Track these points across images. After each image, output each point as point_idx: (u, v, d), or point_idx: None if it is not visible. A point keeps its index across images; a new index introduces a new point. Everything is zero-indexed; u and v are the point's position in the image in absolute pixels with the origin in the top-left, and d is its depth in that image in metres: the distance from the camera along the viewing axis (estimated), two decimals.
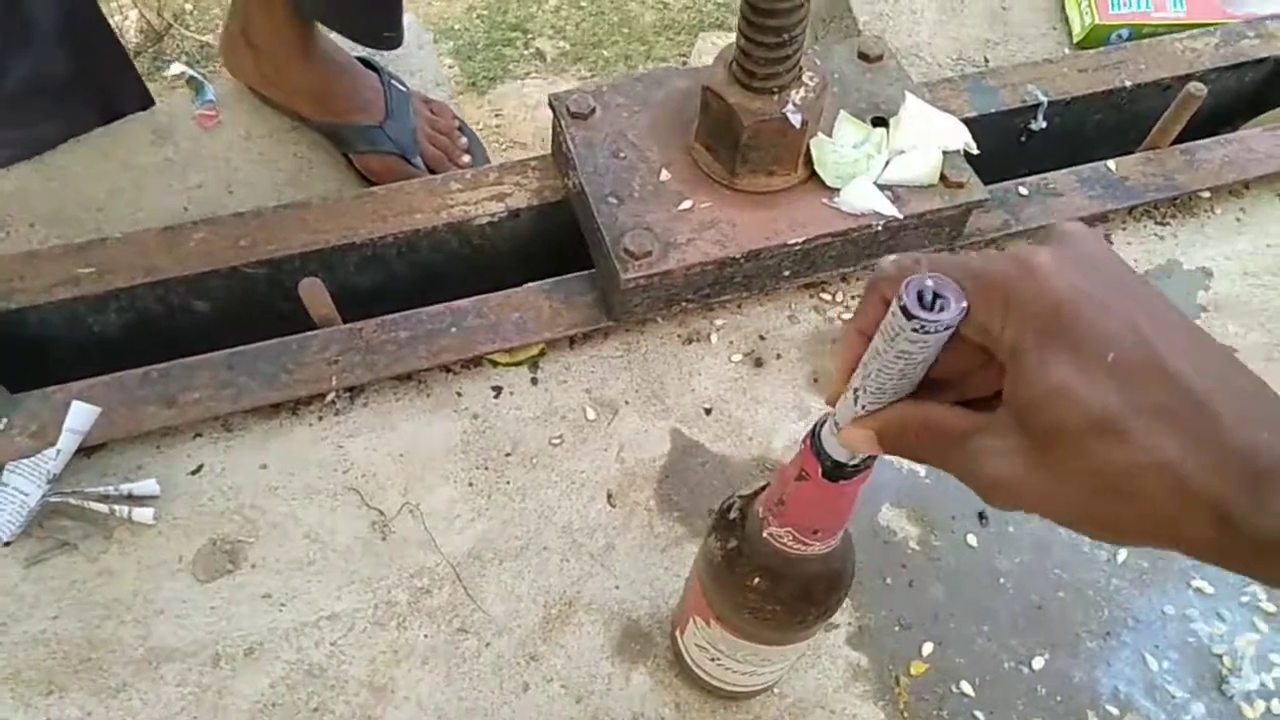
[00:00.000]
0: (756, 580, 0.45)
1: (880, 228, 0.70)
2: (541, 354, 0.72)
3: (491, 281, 0.80)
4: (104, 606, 0.60)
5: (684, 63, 2.07)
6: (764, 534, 0.43)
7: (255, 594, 0.61)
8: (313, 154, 0.85)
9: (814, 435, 0.37)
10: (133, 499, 0.63)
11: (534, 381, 0.71)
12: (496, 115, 1.98)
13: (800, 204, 0.70)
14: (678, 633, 0.57)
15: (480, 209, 0.76)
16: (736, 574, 0.46)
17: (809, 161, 0.71)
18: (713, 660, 0.53)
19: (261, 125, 0.86)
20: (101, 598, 0.60)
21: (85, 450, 0.64)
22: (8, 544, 0.61)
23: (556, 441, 0.68)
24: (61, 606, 0.59)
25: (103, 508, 0.62)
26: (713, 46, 1.71)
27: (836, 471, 0.37)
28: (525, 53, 1.93)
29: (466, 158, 0.86)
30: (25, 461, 0.61)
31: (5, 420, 0.63)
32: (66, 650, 0.58)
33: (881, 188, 0.71)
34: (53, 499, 0.61)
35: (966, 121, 0.76)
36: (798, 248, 0.69)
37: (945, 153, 0.72)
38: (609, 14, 1.99)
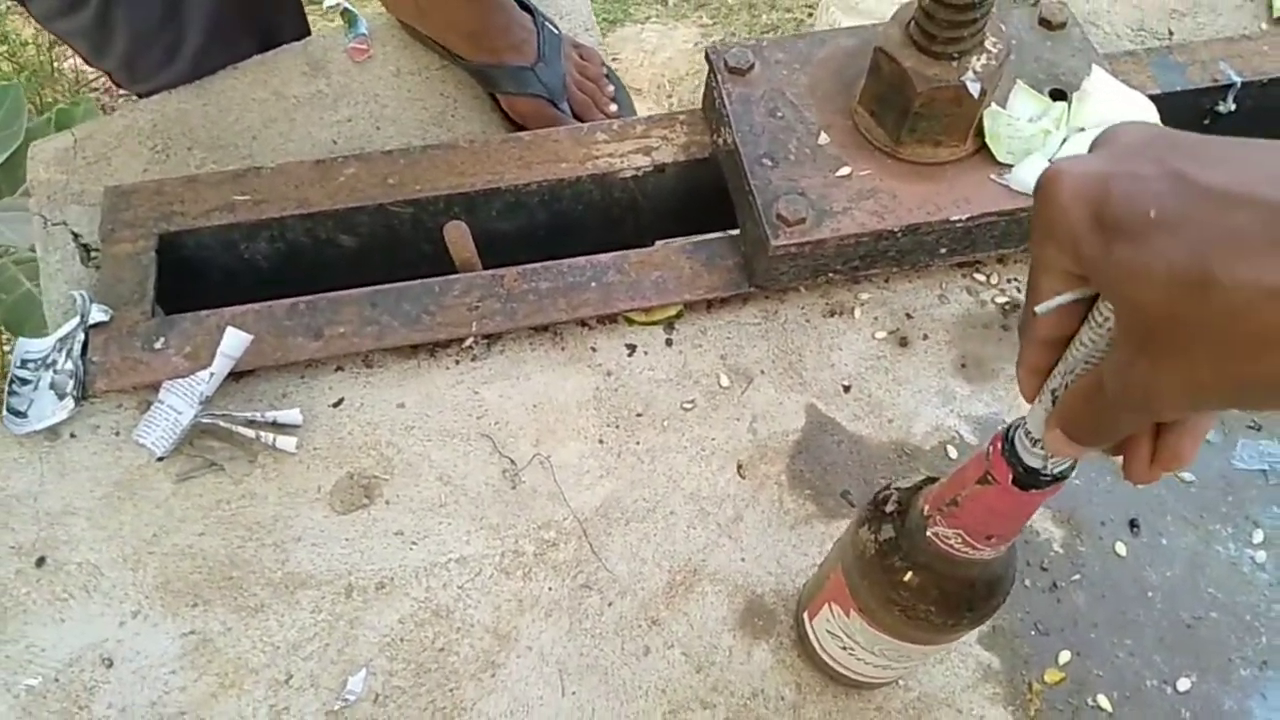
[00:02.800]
0: (912, 578, 0.43)
1: None
2: (679, 315, 0.70)
3: (629, 235, 0.78)
4: (246, 528, 0.62)
5: (809, 15, 2.00)
6: (928, 532, 0.41)
7: (388, 530, 0.62)
8: (459, 94, 0.85)
9: (1006, 440, 0.35)
10: (277, 426, 0.64)
11: (669, 343, 0.70)
12: (614, 59, 1.96)
13: (967, 178, 0.66)
14: (806, 616, 0.55)
15: (625, 161, 0.74)
16: (890, 569, 0.44)
17: (979, 133, 0.67)
18: (845, 650, 0.51)
19: (411, 62, 0.85)
20: (244, 519, 0.62)
21: (234, 375, 0.65)
22: (161, 459, 0.63)
23: (688, 406, 0.67)
24: (207, 524, 0.62)
25: (249, 432, 0.64)
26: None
27: (1029, 479, 0.34)
28: None
29: (613, 106, 0.84)
30: (181, 381, 0.64)
31: (162, 340, 0.65)
32: (211, 566, 0.60)
33: None
34: (203, 420, 0.63)
35: (1147, 98, 0.70)
36: (960, 225, 0.65)
37: None
38: None
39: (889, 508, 0.45)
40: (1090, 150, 0.30)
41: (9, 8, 1.85)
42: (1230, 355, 0.25)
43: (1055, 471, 0.34)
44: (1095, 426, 0.31)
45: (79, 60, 1.84)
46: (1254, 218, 0.25)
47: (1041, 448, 0.34)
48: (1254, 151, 0.27)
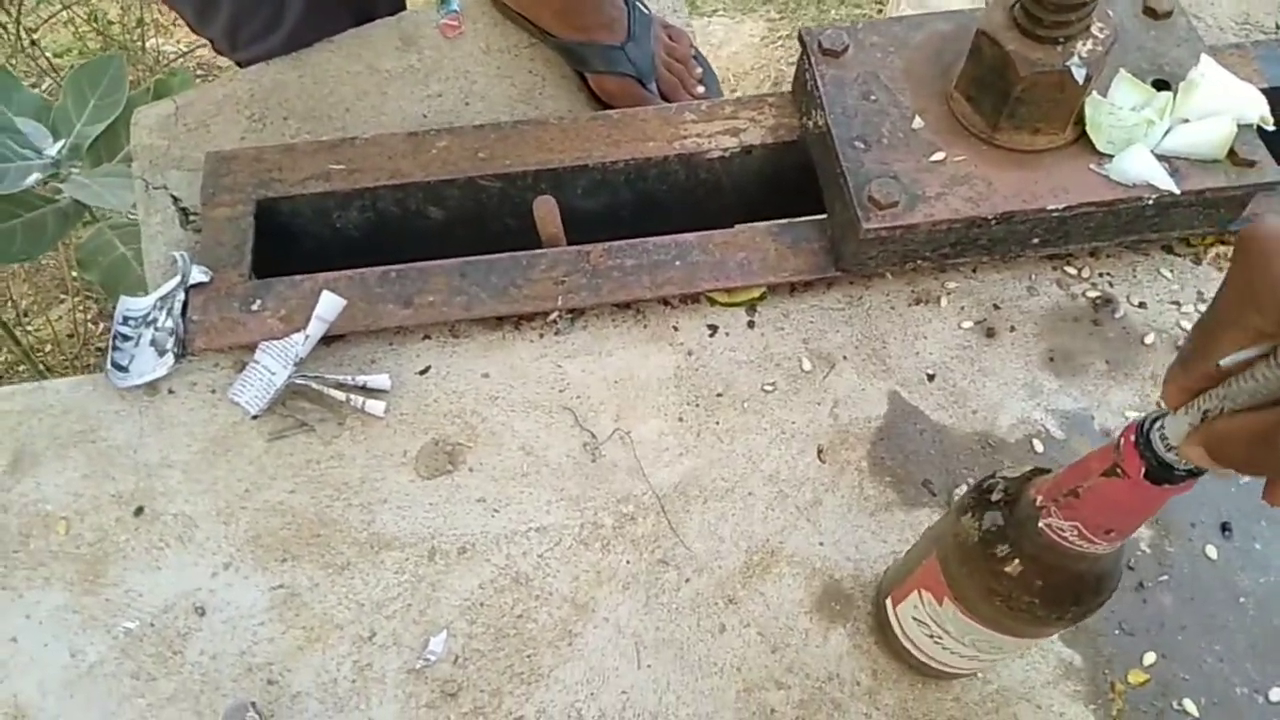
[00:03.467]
0: (1019, 568, 0.42)
1: (1151, 202, 0.64)
2: (761, 297, 0.70)
3: (713, 218, 0.78)
4: (334, 488, 0.63)
5: (879, 11, 1.97)
6: (1041, 523, 0.40)
7: (471, 497, 0.63)
8: (547, 72, 0.85)
9: (1141, 433, 0.34)
10: (366, 390, 0.66)
11: (751, 324, 0.70)
12: None
13: (1065, 167, 0.65)
14: (889, 602, 0.55)
15: (713, 142, 0.74)
16: (994, 558, 0.43)
17: (1080, 121, 0.65)
18: (932, 639, 0.51)
19: (500, 40, 0.86)
20: (333, 479, 0.63)
21: (325, 339, 0.67)
22: (255, 417, 0.65)
23: (769, 388, 0.67)
24: (297, 482, 0.63)
25: (339, 395, 0.65)
26: None
27: (1163, 473, 0.34)
28: None
29: (701, 88, 0.84)
30: (276, 343, 0.65)
31: (259, 301, 0.67)
32: (300, 523, 0.62)
33: (1159, 158, 0.64)
34: (297, 381, 0.65)
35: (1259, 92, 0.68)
36: (1056, 215, 0.64)
37: (1239, 125, 0.64)
38: None
39: (995, 496, 0.44)
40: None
41: None
42: None
43: (1191, 467, 0.33)
44: (1248, 462, 0.31)
45: (160, 39, 1.90)
46: None
47: (1177, 453, 0.33)
48: None
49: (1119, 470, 0.35)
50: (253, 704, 0.55)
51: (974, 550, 0.44)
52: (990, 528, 0.43)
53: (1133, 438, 0.34)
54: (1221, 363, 0.31)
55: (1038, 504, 0.40)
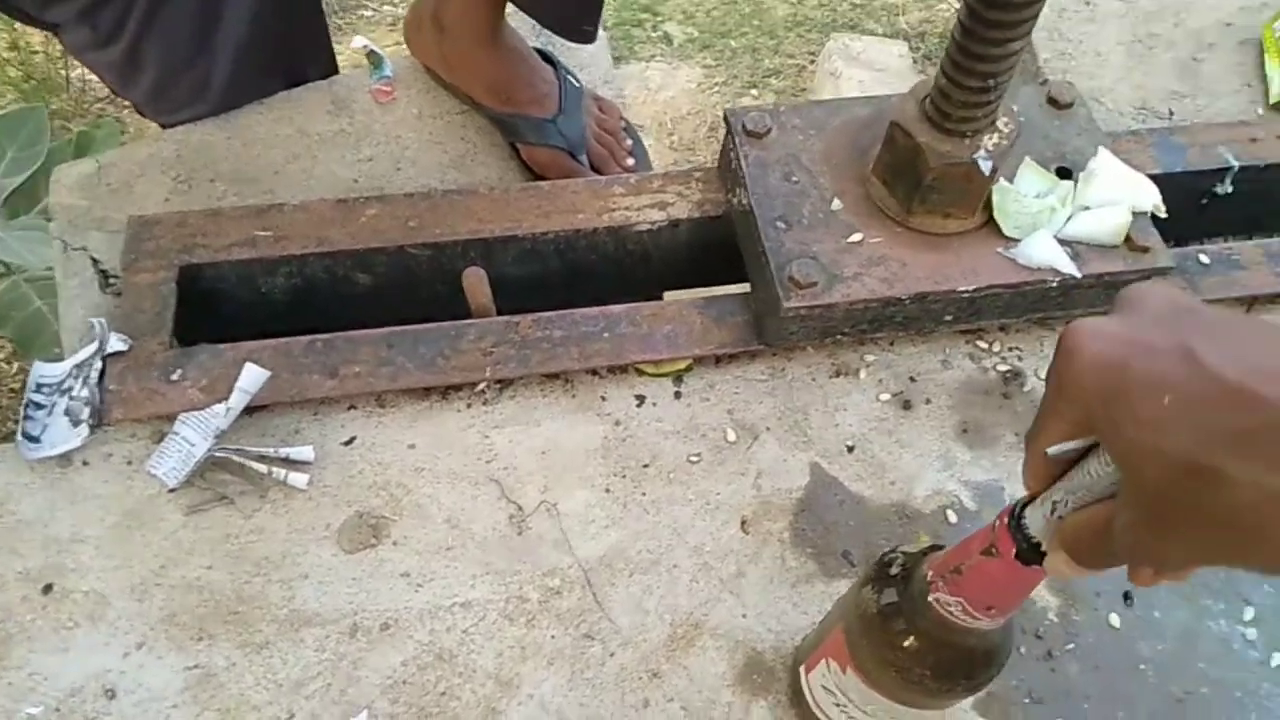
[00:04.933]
0: (911, 642, 0.44)
1: (1055, 284, 0.68)
2: (688, 369, 0.72)
3: (641, 286, 0.80)
4: (253, 563, 0.62)
5: (811, 62, 2.04)
6: (930, 598, 0.42)
7: (395, 571, 0.62)
8: (479, 139, 0.87)
9: (1013, 515, 0.36)
10: (289, 462, 0.65)
11: (677, 395, 0.71)
12: (618, 96, 1.98)
13: (974, 250, 0.68)
14: (803, 670, 0.56)
15: (641, 215, 0.76)
16: (890, 631, 0.45)
17: (988, 207, 0.69)
18: (838, 706, 0.52)
19: (433, 106, 0.87)
20: (252, 554, 0.62)
21: (248, 409, 0.66)
22: (173, 490, 0.64)
23: (695, 459, 0.68)
24: (215, 558, 0.62)
25: (261, 467, 0.64)
26: (843, 48, 1.67)
27: (1033, 555, 0.36)
28: (653, 35, 1.93)
29: (630, 160, 0.86)
30: (196, 414, 0.64)
31: (180, 371, 0.66)
32: (217, 600, 0.61)
33: (1062, 243, 0.68)
34: (217, 453, 0.64)
35: (1149, 179, 0.72)
36: (967, 295, 0.67)
37: (1135, 213, 0.69)
38: (741, 4, 1.97)
39: (894, 570, 0.46)
40: (1115, 310, 0.32)
41: None
42: (1234, 540, 0.28)
43: None
44: (1101, 559, 0.33)
45: (86, 72, 1.86)
46: (1262, 421, 0.26)
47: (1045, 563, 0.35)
48: (1271, 340, 0.28)
49: (994, 550, 0.37)
50: None
51: (872, 621, 0.45)
52: (887, 601, 0.45)
53: (1006, 520, 0.36)
54: (1048, 451, 0.33)
55: (929, 579, 0.42)
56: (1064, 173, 0.71)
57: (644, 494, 0.67)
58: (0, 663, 0.58)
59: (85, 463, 0.65)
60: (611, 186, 0.77)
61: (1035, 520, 0.35)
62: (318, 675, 0.59)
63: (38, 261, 0.91)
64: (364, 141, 0.85)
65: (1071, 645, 0.63)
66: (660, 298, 0.83)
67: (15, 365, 1.60)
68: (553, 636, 0.61)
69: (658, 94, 2.04)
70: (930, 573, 0.42)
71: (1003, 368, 0.73)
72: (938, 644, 0.44)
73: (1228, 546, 0.28)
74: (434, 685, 0.59)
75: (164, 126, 0.86)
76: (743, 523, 0.66)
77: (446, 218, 0.74)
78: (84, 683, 0.58)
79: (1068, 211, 0.69)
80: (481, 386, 0.70)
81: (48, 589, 0.60)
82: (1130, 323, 0.31)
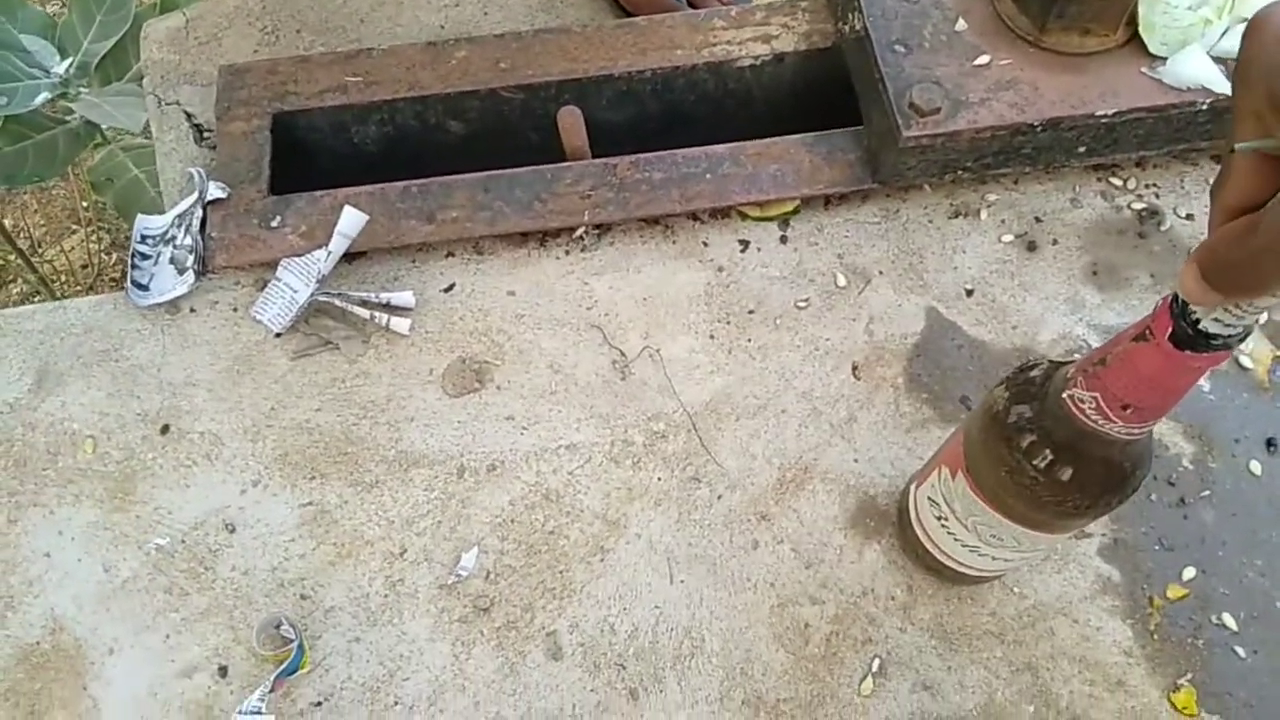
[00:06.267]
0: (1030, 438, 0.41)
1: (1205, 106, 0.62)
2: (795, 211, 0.68)
3: (743, 130, 0.75)
4: (360, 406, 0.62)
5: None
6: (1064, 394, 0.38)
7: (499, 414, 0.62)
8: None
9: (1178, 298, 0.32)
10: (390, 308, 0.64)
11: (783, 240, 0.68)
12: None
13: (1115, 70, 0.62)
14: (914, 485, 0.54)
15: (743, 50, 0.71)
16: (1012, 426, 0.42)
17: (1132, 22, 0.62)
18: (939, 520, 0.49)
19: None
20: (359, 398, 0.62)
21: (347, 256, 0.65)
22: (278, 335, 0.64)
23: (803, 304, 0.65)
24: (323, 400, 0.62)
25: (363, 312, 0.64)
26: None
27: (1190, 338, 0.32)
28: None
29: None
30: (297, 260, 0.64)
31: (279, 218, 0.66)
32: (327, 441, 0.61)
33: (1216, 60, 0.61)
34: (320, 299, 0.64)
35: None
36: (1104, 121, 0.62)
37: None
38: None
39: (1034, 373, 0.42)
40: None
41: None
42: None
43: (1218, 332, 0.31)
44: (1235, 271, 0.29)
45: None
46: None
47: (1214, 317, 0.31)
48: None
49: (1149, 332, 0.33)
50: (285, 618, 0.55)
51: (995, 418, 0.42)
52: (1017, 396, 0.42)
53: (1169, 299, 0.32)
54: (1235, 146, 0.29)
55: (1068, 376, 0.38)
56: None
57: (749, 340, 0.64)
58: (127, 497, 0.60)
59: (193, 309, 0.65)
60: (711, 20, 0.72)
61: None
62: (428, 513, 0.59)
63: (133, 125, 0.91)
64: None
65: (1207, 493, 0.59)
66: None
67: (115, 256, 1.65)
68: (659, 479, 0.60)
69: None
70: (1072, 370, 0.39)
71: (1138, 205, 0.68)
72: (1057, 445, 0.40)
73: None
74: (542, 524, 0.59)
75: None
76: (854, 368, 0.63)
77: (539, 58, 0.71)
78: (205, 517, 0.59)
79: (1224, 24, 0.62)
80: (580, 232, 0.67)
81: (165, 429, 0.62)
82: None
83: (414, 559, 0.58)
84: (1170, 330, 0.32)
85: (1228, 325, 0.31)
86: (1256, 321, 0.31)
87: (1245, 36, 0.28)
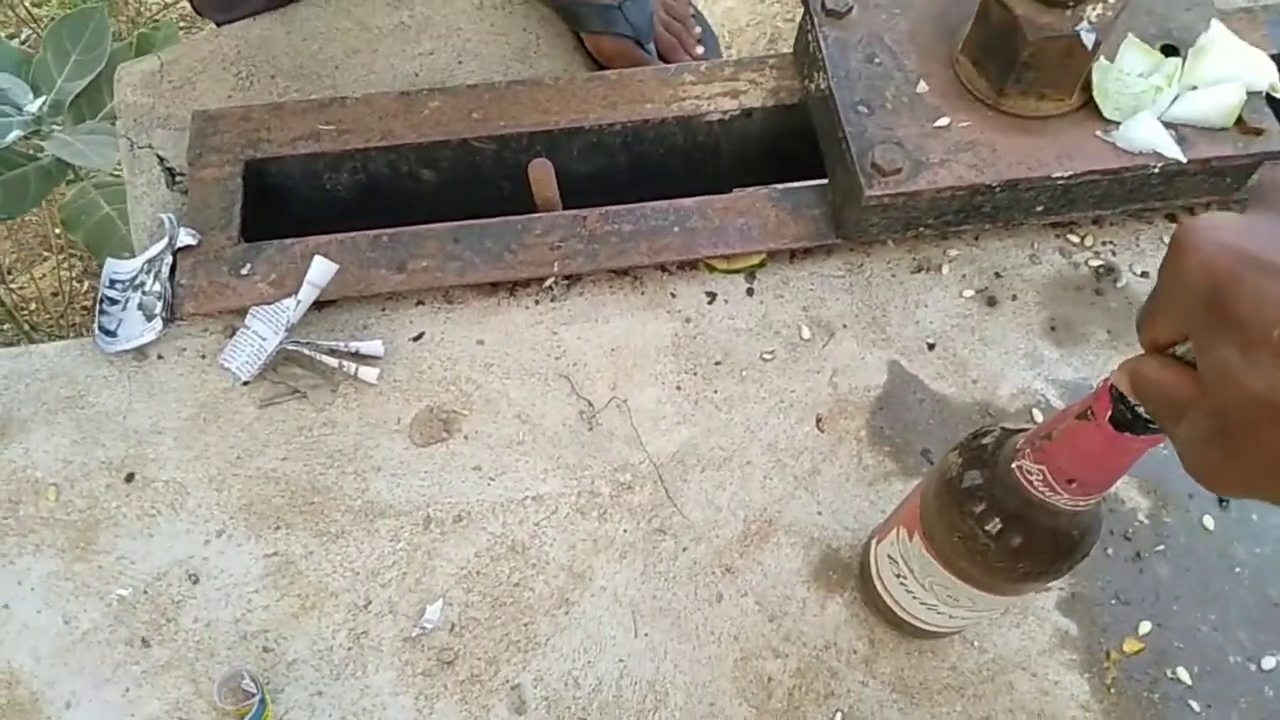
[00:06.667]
0: (981, 506, 0.42)
1: (1157, 170, 0.64)
2: (761, 264, 0.69)
3: (711, 182, 0.77)
4: (327, 455, 0.62)
5: None
6: (1013, 465, 0.40)
7: (467, 464, 0.62)
8: (542, 30, 0.83)
9: None
10: (359, 356, 0.65)
11: (750, 292, 0.69)
12: None
13: (1070, 134, 0.64)
14: (874, 541, 0.55)
15: (712, 104, 0.73)
16: (963, 493, 0.43)
17: (1086, 87, 0.64)
18: (898, 578, 0.50)
19: None
20: (326, 447, 0.63)
21: (316, 304, 0.66)
22: (246, 383, 0.64)
23: (768, 357, 0.66)
24: (290, 449, 0.62)
25: (331, 361, 0.64)
26: None
27: (1129, 421, 0.33)
28: None
29: (700, 49, 0.82)
30: (267, 308, 0.64)
31: (249, 266, 0.66)
32: (293, 491, 0.61)
33: (1166, 125, 0.63)
34: (288, 347, 0.64)
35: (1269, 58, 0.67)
36: (1061, 183, 0.63)
37: (1249, 93, 0.63)
38: None
39: (986, 440, 0.43)
40: (1249, 200, 0.29)
41: None
42: None
43: (1153, 423, 0.32)
44: (1155, 412, 0.31)
45: None
46: None
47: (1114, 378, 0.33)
48: None
49: (1090, 413, 0.34)
50: (248, 671, 0.55)
51: (949, 484, 0.43)
52: (970, 466, 0.43)
53: (1110, 382, 0.33)
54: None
55: (1017, 447, 0.39)
56: (1169, 50, 0.66)
57: (716, 391, 0.65)
58: (89, 547, 0.59)
59: (160, 356, 0.65)
60: (681, 75, 0.74)
61: None
62: (393, 564, 0.59)
63: (105, 164, 0.91)
64: (424, 34, 0.82)
65: (1162, 547, 0.60)
66: None
67: (86, 284, 1.63)
68: (625, 530, 0.61)
69: (715, 5, 1.96)
70: (1020, 441, 0.40)
71: (1095, 263, 0.69)
72: (1008, 515, 0.41)
73: None
74: (507, 576, 0.59)
75: (219, 24, 0.84)
76: (818, 420, 0.64)
77: (511, 109, 0.72)
78: (168, 567, 0.59)
79: (1174, 91, 0.64)
80: (549, 283, 0.68)
81: (130, 478, 0.61)
82: (1256, 226, 0.27)
83: (379, 611, 0.58)
84: (1109, 413, 0.33)
85: None
86: None
87: (1171, 248, 0.28)
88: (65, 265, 1.63)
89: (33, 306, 1.58)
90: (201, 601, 0.58)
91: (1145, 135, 0.63)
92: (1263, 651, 0.57)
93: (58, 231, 1.64)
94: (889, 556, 0.51)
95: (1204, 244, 0.27)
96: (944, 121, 0.64)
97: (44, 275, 1.64)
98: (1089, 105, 0.65)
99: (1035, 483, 0.38)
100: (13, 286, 1.58)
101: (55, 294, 1.61)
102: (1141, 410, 0.32)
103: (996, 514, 0.41)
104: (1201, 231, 0.27)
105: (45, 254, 1.66)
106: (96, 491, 0.61)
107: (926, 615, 0.51)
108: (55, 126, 0.96)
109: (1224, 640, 0.58)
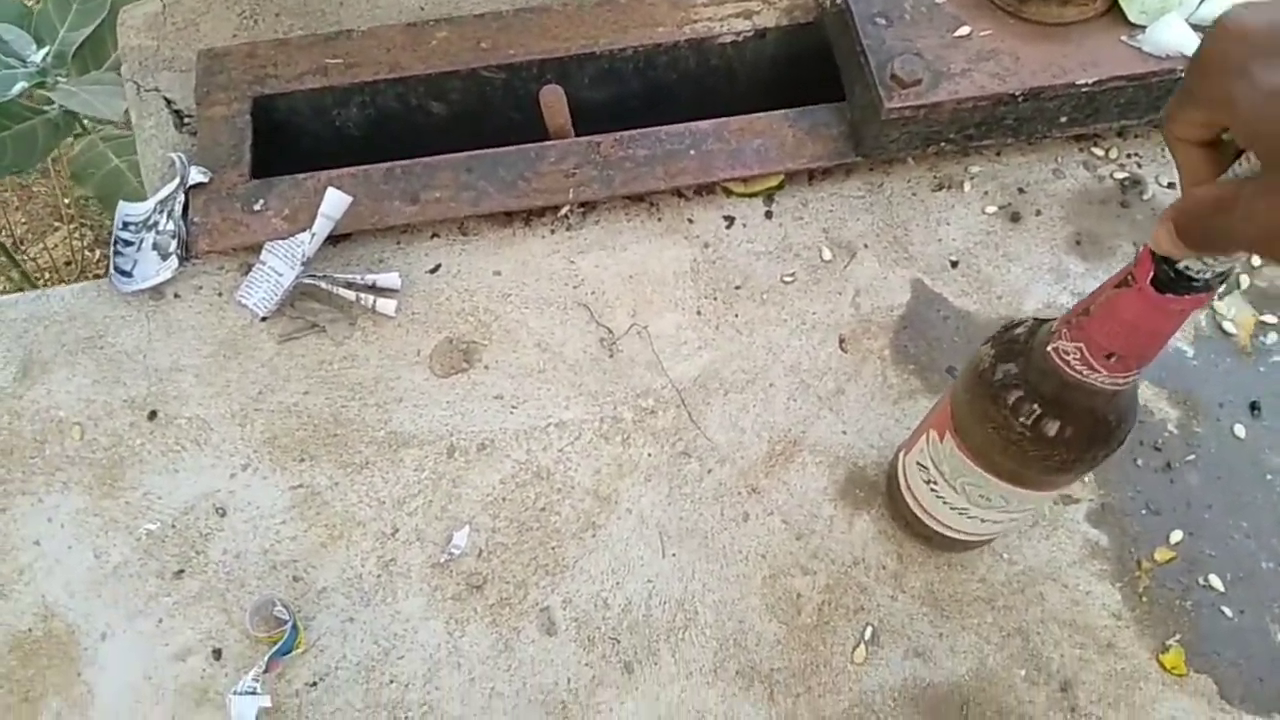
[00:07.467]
0: (1015, 394, 0.41)
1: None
2: (779, 186, 0.68)
3: (725, 107, 0.75)
4: (348, 388, 0.62)
5: None
6: (1049, 347, 0.39)
7: (488, 394, 0.62)
8: None
9: None
10: (376, 289, 0.64)
11: (768, 215, 0.68)
12: None
13: (1095, 40, 0.62)
14: (902, 452, 0.54)
15: (725, 26, 0.71)
16: (996, 381, 0.42)
17: None
18: (928, 484, 0.50)
19: None
20: (347, 380, 0.62)
21: (331, 239, 0.65)
22: (264, 319, 0.64)
23: (789, 279, 0.65)
24: (311, 383, 0.62)
25: (349, 294, 0.64)
26: None
27: (1172, 280, 0.32)
28: None
29: None
30: (281, 243, 0.64)
31: (262, 201, 0.65)
32: (316, 424, 0.61)
33: (1195, 28, 0.62)
34: (305, 281, 0.64)
35: None
36: (1086, 90, 0.62)
37: None
38: None
39: (1019, 330, 0.43)
40: None
41: None
42: None
43: (1198, 274, 0.31)
44: (1208, 235, 0.30)
45: None
46: None
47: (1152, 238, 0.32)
48: None
49: (1130, 278, 0.33)
50: (279, 600, 0.55)
51: (982, 376, 0.42)
52: (1003, 354, 0.42)
53: (1148, 246, 0.32)
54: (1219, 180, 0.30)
55: (1053, 329, 0.39)
56: None
57: (736, 315, 0.64)
58: (116, 484, 0.60)
59: (177, 295, 0.65)
60: None
61: None
62: (419, 493, 0.59)
63: (112, 114, 0.90)
64: None
65: (1192, 456, 0.60)
66: None
67: (98, 253, 1.63)
68: (649, 454, 0.60)
69: None
70: (1056, 323, 0.39)
71: (1120, 175, 0.68)
72: (1043, 399, 0.40)
73: None
74: (533, 501, 0.59)
75: None
76: (841, 341, 0.63)
77: (519, 37, 0.71)
78: (195, 501, 0.59)
79: None
80: (564, 211, 0.67)
81: (152, 415, 0.61)
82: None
83: (406, 539, 0.58)
84: (1151, 274, 0.32)
85: (1208, 265, 0.31)
86: (1236, 263, 0.32)
87: (1209, 32, 0.29)
88: (77, 235, 1.63)
89: (47, 276, 1.58)
90: (230, 534, 0.58)
91: (1173, 38, 0.61)
92: None
93: (68, 201, 1.64)
94: (918, 464, 0.50)
95: (1248, 12, 0.28)
96: (964, 31, 0.62)
97: (56, 245, 1.64)
98: (1114, 10, 0.63)
99: (1073, 362, 0.37)
100: (26, 257, 1.59)
101: (69, 263, 1.62)
102: (1184, 267, 0.31)
103: (1032, 400, 0.40)
104: (1229, 11, 0.28)
105: (56, 224, 1.66)
106: (120, 429, 0.61)
107: (957, 521, 0.50)
108: (60, 78, 0.95)
109: (1256, 547, 0.57)
